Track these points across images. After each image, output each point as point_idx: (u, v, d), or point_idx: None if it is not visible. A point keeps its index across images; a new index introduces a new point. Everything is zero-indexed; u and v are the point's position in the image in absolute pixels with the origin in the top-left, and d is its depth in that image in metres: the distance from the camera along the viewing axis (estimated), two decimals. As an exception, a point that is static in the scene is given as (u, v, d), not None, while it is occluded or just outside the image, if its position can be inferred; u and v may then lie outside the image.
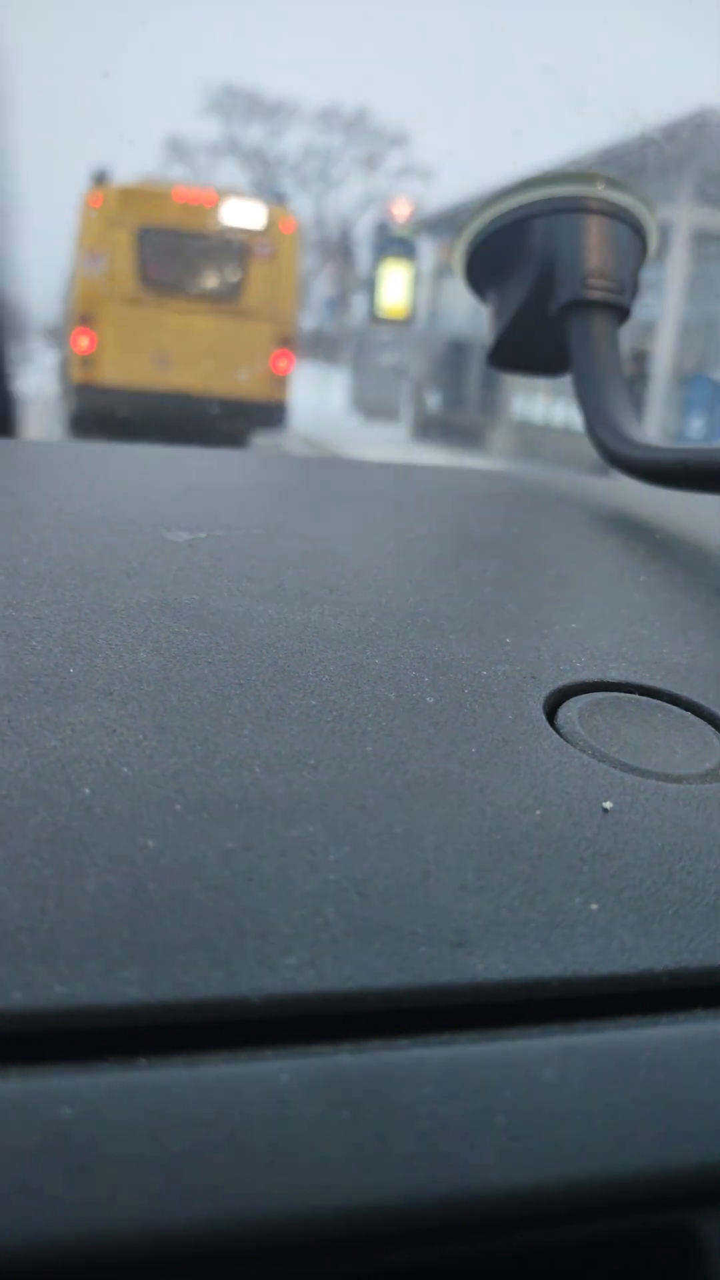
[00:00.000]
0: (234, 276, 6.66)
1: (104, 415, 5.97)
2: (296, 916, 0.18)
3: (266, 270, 6.60)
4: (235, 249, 6.63)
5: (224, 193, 6.88)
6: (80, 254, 6.39)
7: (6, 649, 0.26)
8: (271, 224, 6.67)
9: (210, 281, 6.70)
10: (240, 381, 6.51)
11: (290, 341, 6.86)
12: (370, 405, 10.96)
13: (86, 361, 6.25)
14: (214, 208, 6.64)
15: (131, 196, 6.28)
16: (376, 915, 0.18)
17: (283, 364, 6.78)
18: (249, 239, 6.58)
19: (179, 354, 6.29)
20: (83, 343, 6.26)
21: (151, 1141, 0.15)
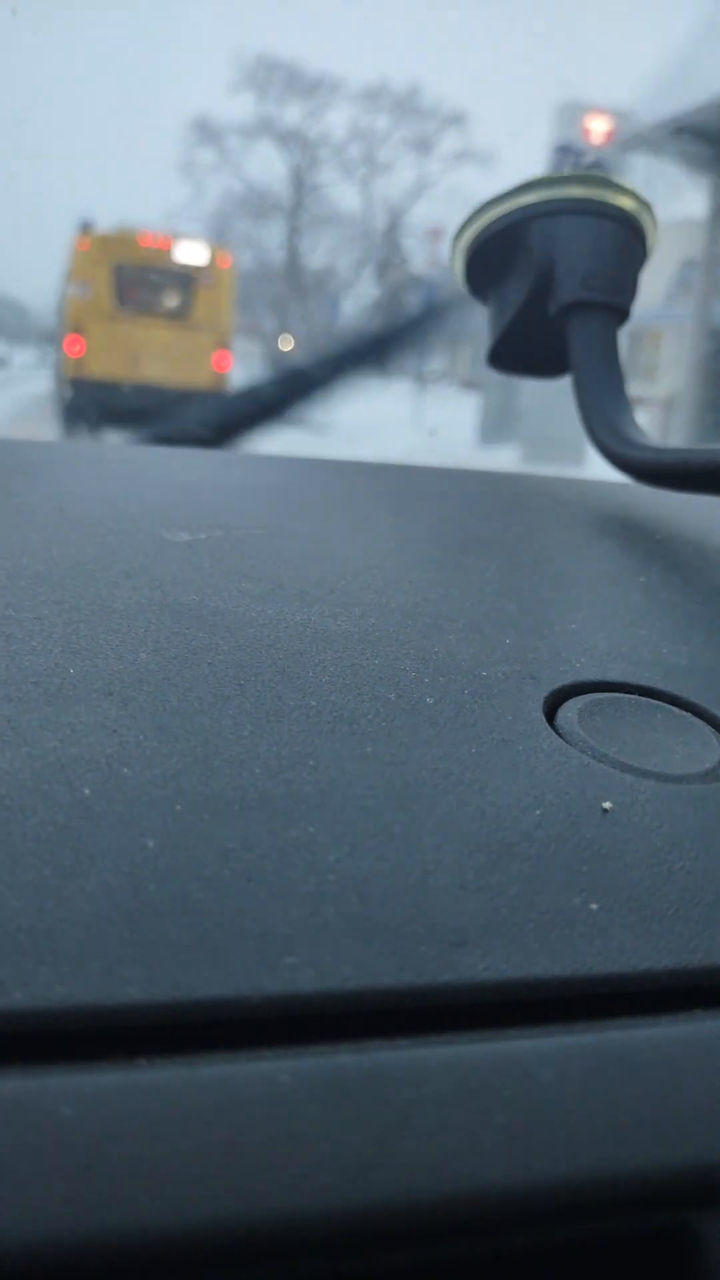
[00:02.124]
0: (185, 299, 9.59)
1: (91, 399, 8.43)
2: (296, 917, 0.18)
3: (209, 295, 9.54)
4: (185, 279, 9.55)
5: (177, 237, 9.84)
6: (71, 282, 9.21)
7: (6, 649, 0.26)
8: (213, 260, 9.67)
9: (168, 303, 9.60)
10: (191, 375, 9.17)
11: (227, 346, 9.78)
12: (533, 438, 6.39)
13: (79, 362, 8.92)
14: (170, 249, 9.58)
15: (108, 241, 9.26)
16: (376, 915, 0.18)
17: (222, 363, 9.73)
18: (195, 272, 9.52)
19: (146, 355, 9.01)
20: (75, 348, 9.01)
21: (151, 1141, 0.15)
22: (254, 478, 0.50)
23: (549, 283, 0.51)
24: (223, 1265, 0.14)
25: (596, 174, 0.51)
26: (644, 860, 0.21)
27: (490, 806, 0.22)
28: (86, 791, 0.21)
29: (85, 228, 9.16)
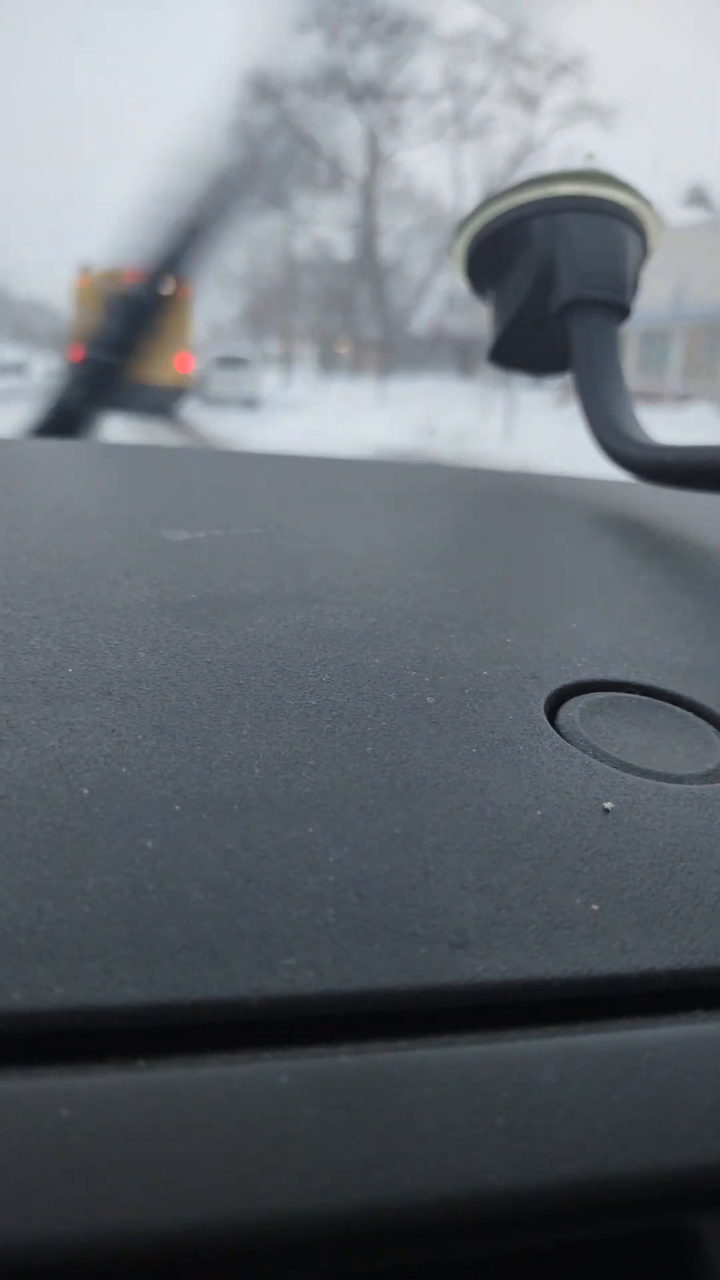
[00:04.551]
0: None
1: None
2: (296, 917, 0.18)
3: (174, 315, 13.04)
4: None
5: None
6: (74, 309, 12.18)
7: (5, 648, 0.26)
8: (177, 289, 13.25)
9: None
10: (160, 374, 12.63)
11: (189, 352, 12.46)
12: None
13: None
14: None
15: (101, 277, 12.49)
16: (376, 916, 0.18)
17: (184, 365, 12.30)
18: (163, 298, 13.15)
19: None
20: (76, 355, 12.66)
21: (151, 1142, 0.14)
22: (254, 477, 0.50)
23: (550, 280, 0.51)
24: (222, 1267, 0.14)
25: (599, 171, 0.51)
26: (645, 861, 0.21)
27: (491, 806, 0.22)
28: (85, 791, 0.20)
29: (85, 270, 12.87)
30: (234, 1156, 0.14)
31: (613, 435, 0.48)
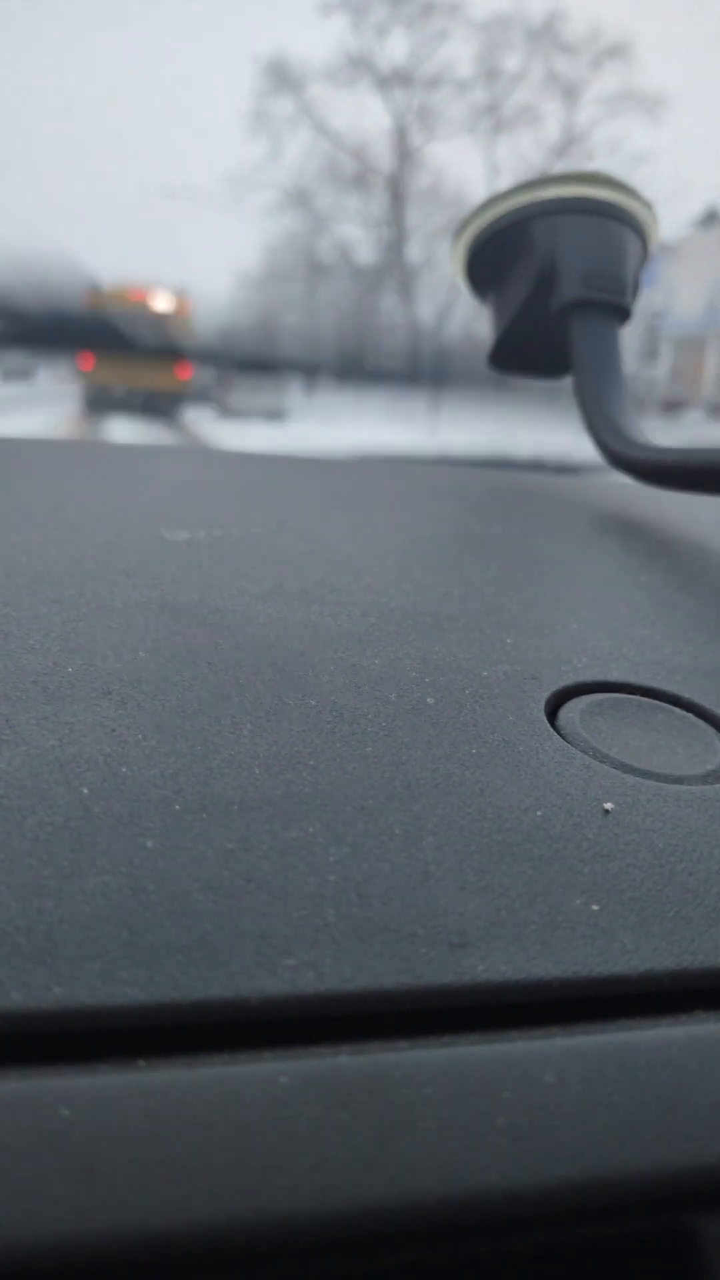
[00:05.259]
0: (158, 332, 14.60)
1: (97, 396, 12.32)
2: (296, 917, 0.18)
3: (174, 328, 13.94)
4: (158, 319, 15.44)
5: (154, 290, 14.34)
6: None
7: (5, 648, 0.26)
8: (177, 304, 14.40)
9: (148, 335, 15.29)
10: (162, 381, 13.82)
11: (189, 362, 14.77)
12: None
13: (90, 374, 13.12)
14: (148, 299, 14.44)
15: (109, 295, 15.98)
16: (376, 916, 0.18)
17: (183, 373, 14.74)
18: (164, 315, 14.85)
19: (135, 369, 14.13)
20: (87, 364, 13.02)
21: (150, 1143, 0.14)
22: (254, 476, 0.50)
23: (551, 281, 0.51)
24: (222, 1267, 0.14)
25: (599, 173, 0.51)
26: (645, 861, 0.21)
27: (491, 807, 0.22)
28: (85, 791, 0.20)
29: (94, 288, 15.45)
30: (234, 1156, 0.14)
31: (613, 437, 0.48)
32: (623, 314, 0.52)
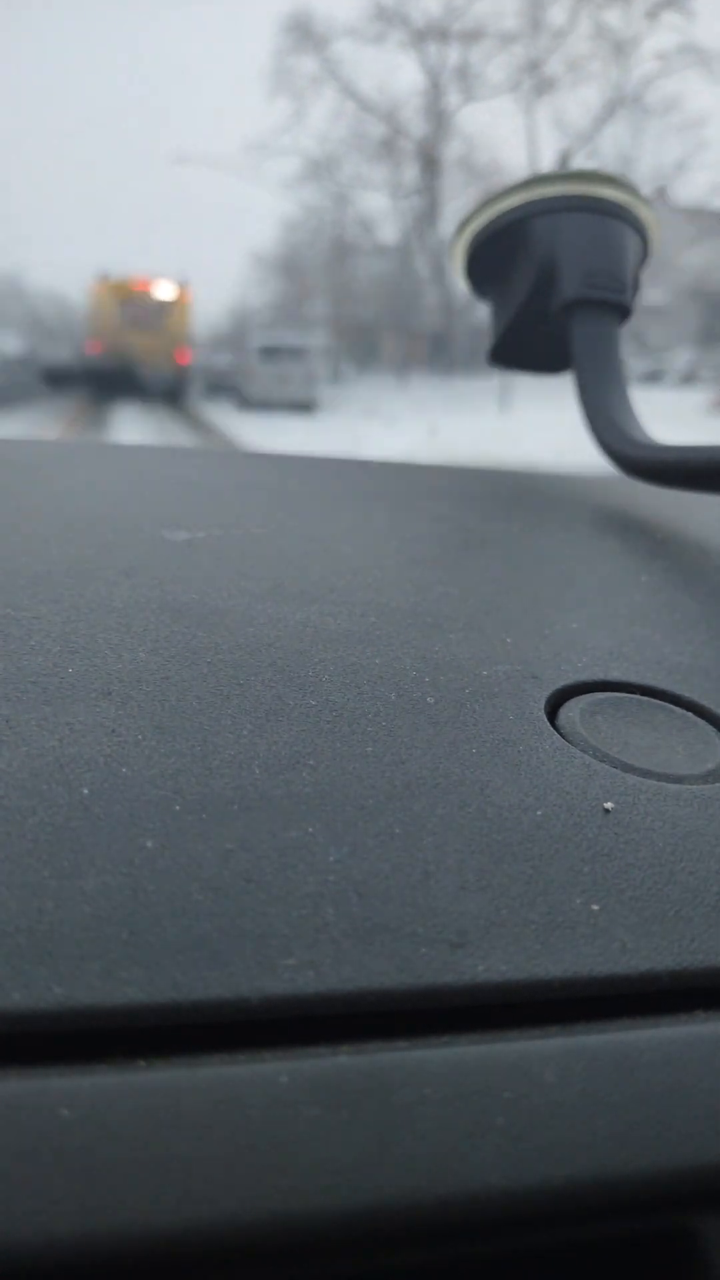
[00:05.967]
0: (159, 318, 16.62)
1: (103, 379, 14.86)
2: (296, 917, 0.18)
3: (175, 316, 16.67)
4: (160, 305, 16.74)
5: (157, 280, 17.35)
6: (90, 309, 16.91)
7: (5, 648, 0.26)
8: (179, 293, 17.04)
9: (150, 321, 16.50)
10: (163, 364, 15.92)
11: (187, 347, 16.79)
12: None
13: (95, 359, 15.52)
14: (152, 289, 16.95)
15: (115, 285, 16.85)
16: (376, 916, 0.18)
17: (183, 357, 16.53)
18: (165, 302, 16.67)
19: (138, 349, 15.68)
20: (95, 348, 16.09)
21: (150, 1143, 0.14)
22: (254, 476, 0.50)
23: (551, 279, 0.51)
24: (222, 1267, 0.14)
25: (600, 171, 0.51)
26: (645, 861, 0.21)
27: (491, 807, 0.22)
28: (85, 791, 0.20)
29: (103, 277, 17.18)
30: (234, 1156, 0.14)
31: (613, 435, 0.48)
32: (623, 312, 0.52)
